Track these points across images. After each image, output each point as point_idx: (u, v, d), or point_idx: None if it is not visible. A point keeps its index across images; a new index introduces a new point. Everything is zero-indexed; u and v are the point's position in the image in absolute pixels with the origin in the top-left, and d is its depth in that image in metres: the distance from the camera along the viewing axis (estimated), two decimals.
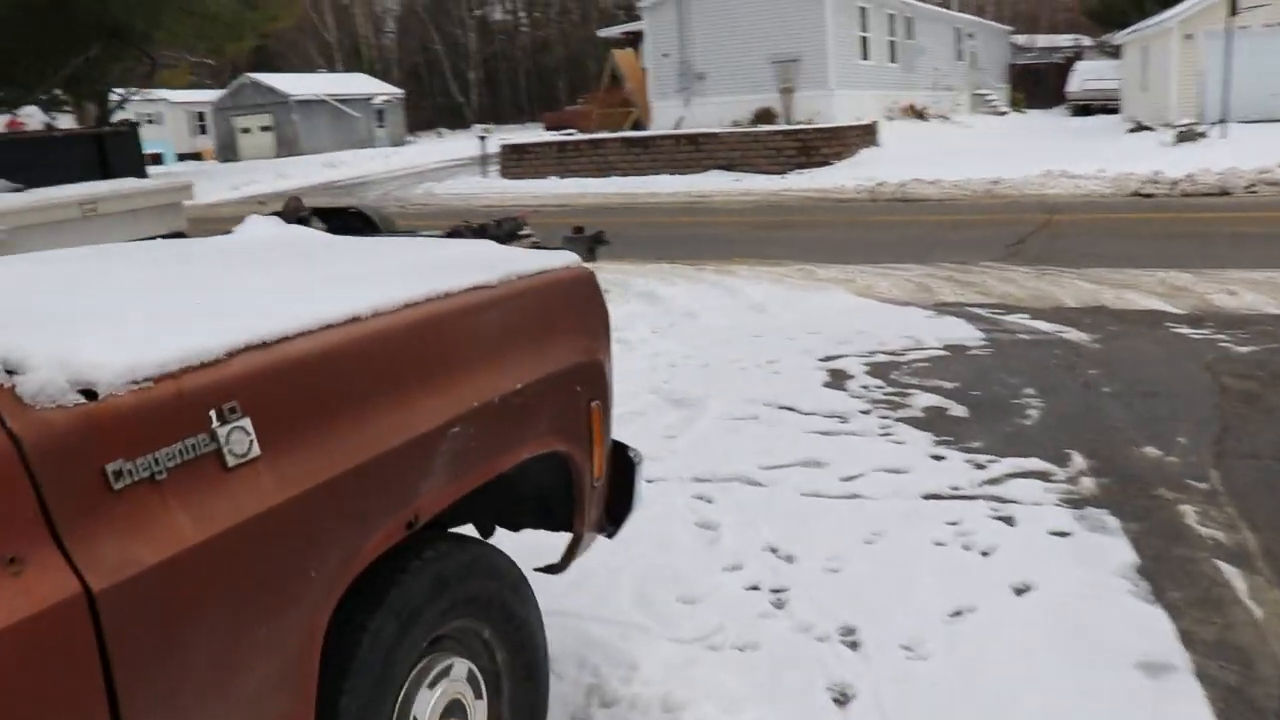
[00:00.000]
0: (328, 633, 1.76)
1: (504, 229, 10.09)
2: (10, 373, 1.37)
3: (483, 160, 26.33)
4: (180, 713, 1.50)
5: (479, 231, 9.81)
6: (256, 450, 1.63)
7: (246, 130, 48.34)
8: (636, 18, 29.91)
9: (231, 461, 1.59)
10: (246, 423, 1.62)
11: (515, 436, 2.21)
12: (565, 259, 2.58)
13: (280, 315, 1.78)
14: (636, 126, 28.40)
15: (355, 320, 1.87)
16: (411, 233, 10.33)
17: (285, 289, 2.02)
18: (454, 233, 9.77)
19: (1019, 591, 3.45)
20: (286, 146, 46.94)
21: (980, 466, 4.64)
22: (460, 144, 34.08)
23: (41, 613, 1.31)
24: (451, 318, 2.08)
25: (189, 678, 1.51)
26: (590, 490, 2.55)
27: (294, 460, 1.68)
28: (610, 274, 9.82)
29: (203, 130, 51.23)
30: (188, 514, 1.51)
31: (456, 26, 74.18)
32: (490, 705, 2.27)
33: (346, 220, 10.70)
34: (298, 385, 1.72)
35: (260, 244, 2.63)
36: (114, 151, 8.01)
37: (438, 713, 2.08)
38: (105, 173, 7.86)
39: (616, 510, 2.78)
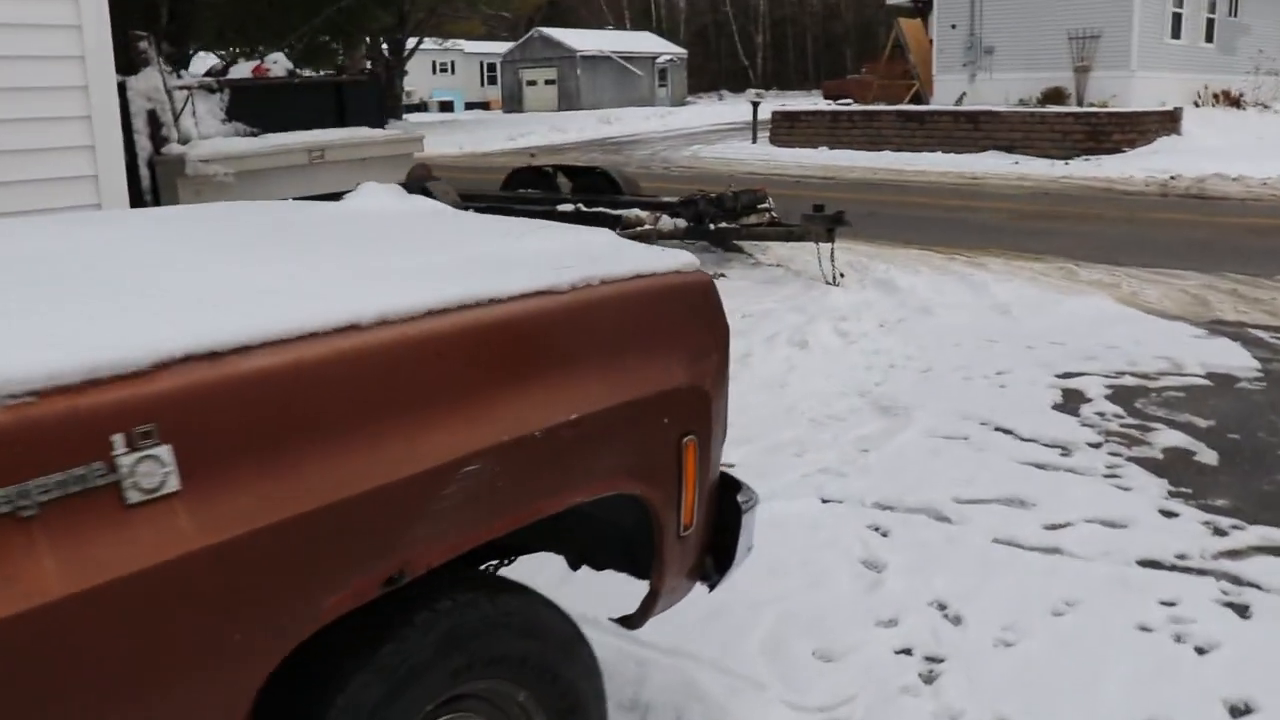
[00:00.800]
0: (267, 703, 1.47)
1: (740, 201, 9.70)
2: None
3: (753, 126, 25.94)
4: None
5: (715, 201, 9.47)
6: (175, 485, 1.35)
7: (532, 83, 50.13)
8: None
9: (135, 498, 1.31)
10: (164, 451, 1.34)
11: (564, 477, 1.84)
12: (679, 261, 2.18)
13: (255, 317, 1.49)
14: (916, 100, 27.07)
15: (351, 329, 1.56)
16: (651, 197, 10.12)
17: (300, 282, 1.73)
18: (688, 201, 9.49)
19: (1236, 713, 2.76)
20: (568, 101, 48.31)
21: (1220, 532, 3.85)
22: (739, 108, 33.87)
23: None
24: (484, 331, 1.73)
25: None
26: (675, 541, 2.15)
27: (228, 499, 1.39)
28: (850, 256, 9.25)
29: (493, 81, 53.57)
30: (57, 559, 1.24)
31: None
32: None
33: (591, 179, 10.64)
34: (250, 408, 1.43)
35: (336, 218, 2.39)
36: (352, 100, 8.21)
37: None
38: (341, 121, 8.07)
39: (720, 560, 2.37)
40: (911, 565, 3.63)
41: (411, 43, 31.82)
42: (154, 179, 6.58)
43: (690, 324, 2.15)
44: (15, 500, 1.22)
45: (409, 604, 1.71)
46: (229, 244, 2.09)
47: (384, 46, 29.49)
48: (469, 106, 49.44)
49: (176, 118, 6.44)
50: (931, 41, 27.52)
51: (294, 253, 1.98)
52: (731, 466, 4.71)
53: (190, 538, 1.35)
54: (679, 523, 2.13)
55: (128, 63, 6.29)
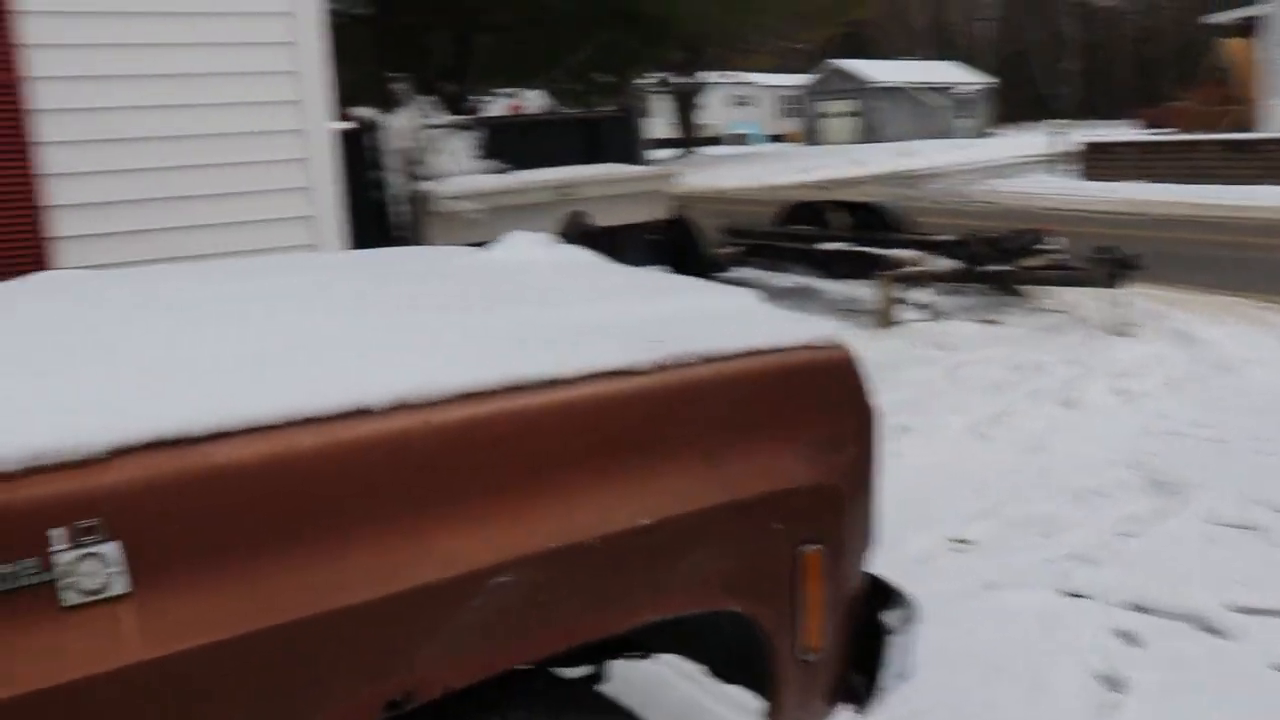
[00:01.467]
0: None
1: (1020, 241, 8.95)
2: None
3: (1052, 159, 24.39)
4: None
5: (990, 242, 8.80)
6: (124, 587, 1.20)
7: (830, 115, 49.77)
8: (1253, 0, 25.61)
9: (73, 600, 1.18)
10: (111, 549, 1.19)
11: (633, 591, 1.56)
12: (814, 334, 1.85)
13: (252, 396, 1.34)
14: (1238, 127, 24.41)
15: (357, 414, 1.37)
16: (923, 235, 9.54)
17: (331, 349, 1.57)
18: (960, 241, 8.87)
19: None
20: (868, 133, 47.53)
21: None
22: (1043, 140, 32.10)
23: None
24: (532, 418, 1.49)
25: None
26: (795, 664, 1.81)
27: (188, 604, 1.23)
28: (1147, 302, 8.31)
29: (792, 114, 53.68)
30: None
31: (1057, 13, 69.86)
32: None
33: (865, 215, 10.22)
34: (219, 504, 1.26)
35: (450, 271, 2.24)
36: (608, 136, 8.26)
37: None
38: (594, 157, 8.13)
39: (867, 683, 2.00)
40: (1162, 688, 3.04)
41: (708, 76, 32.50)
42: (414, 214, 6.87)
43: (819, 409, 1.82)
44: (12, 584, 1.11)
45: (463, 714, 1.51)
46: (312, 299, 1.98)
47: (667, 81, 30.23)
48: (771, 139, 49.81)
49: (430, 156, 6.70)
50: (1259, 62, 24.73)
51: (363, 311, 1.83)
52: (964, 543, 4.22)
53: (134, 647, 1.19)
54: (796, 645, 1.79)
55: (386, 102, 6.63)
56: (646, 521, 1.54)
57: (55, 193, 3.52)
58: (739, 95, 48.90)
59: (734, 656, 1.96)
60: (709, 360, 1.69)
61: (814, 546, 1.75)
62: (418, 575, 1.36)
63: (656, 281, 2.19)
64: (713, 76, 32.47)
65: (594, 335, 1.69)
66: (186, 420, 1.27)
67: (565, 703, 1.63)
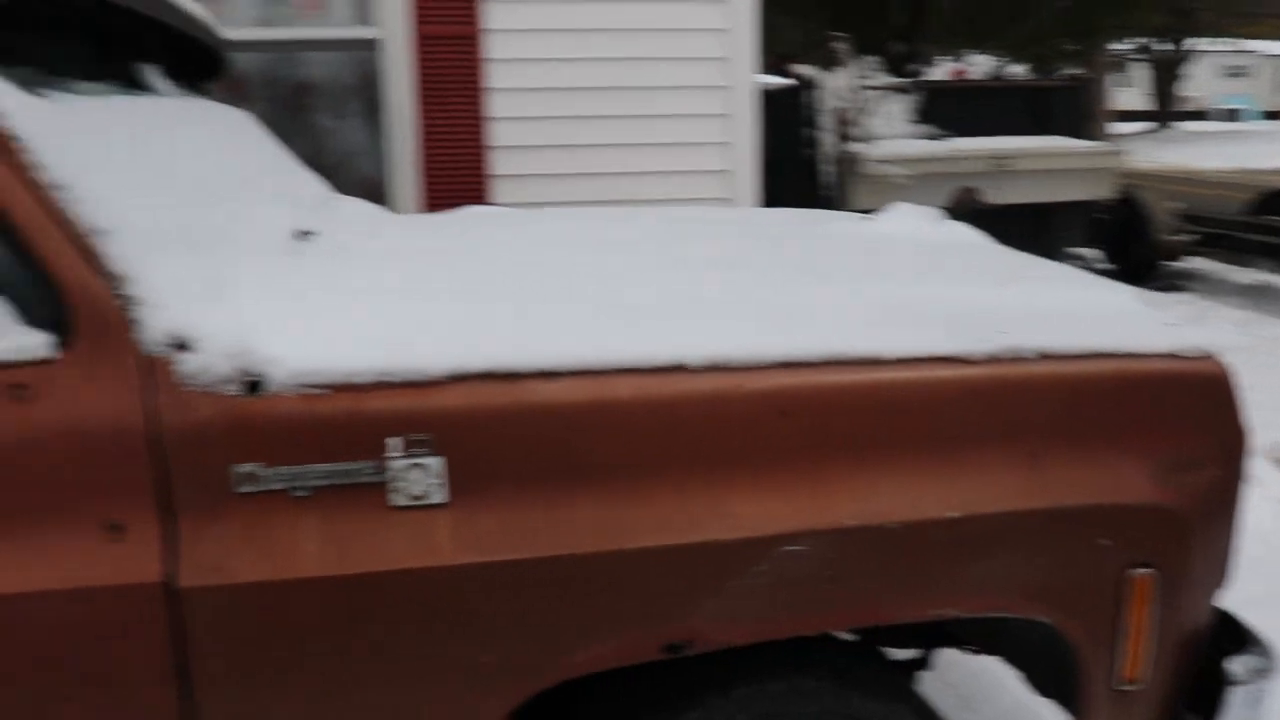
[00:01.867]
0: None
1: None
2: (179, 348, 1.35)
3: None
4: None
5: None
6: (442, 498, 1.38)
7: None
8: None
9: (399, 501, 1.37)
10: (436, 462, 1.37)
11: (928, 582, 1.52)
12: (1188, 344, 1.67)
13: (584, 341, 1.47)
14: None
15: (677, 370, 1.45)
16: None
17: (671, 305, 1.65)
18: None
19: None
20: None
21: None
22: None
23: (120, 587, 1.31)
24: (849, 394, 1.49)
25: (288, 713, 1.38)
26: (1109, 692, 1.68)
27: (496, 523, 1.38)
28: None
29: None
30: (318, 542, 1.35)
31: None
32: None
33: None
34: (538, 437, 1.40)
35: (824, 237, 2.22)
36: (1058, 107, 7.63)
37: None
38: (1041, 129, 7.56)
39: None
40: None
41: (1197, 44, 29.08)
42: (840, 176, 6.88)
43: (1174, 424, 1.63)
44: (291, 481, 1.35)
45: (732, 676, 1.57)
46: (687, 255, 2.07)
47: (1147, 48, 27.29)
48: (1268, 116, 43.72)
49: (864, 117, 6.64)
50: None
51: (715, 271, 1.89)
52: None
53: (445, 552, 1.37)
54: (1113, 672, 1.66)
55: (826, 60, 6.63)
56: (955, 515, 1.49)
57: (498, 135, 3.96)
58: (1233, 65, 43.22)
59: (1049, 671, 1.85)
60: (1049, 358, 1.58)
61: (1146, 570, 1.60)
62: (710, 531, 1.42)
63: (1032, 269, 2.06)
64: (1202, 44, 28.96)
65: (935, 319, 1.64)
66: (519, 357, 1.41)
67: (854, 679, 1.63)
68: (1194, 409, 1.64)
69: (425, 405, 1.37)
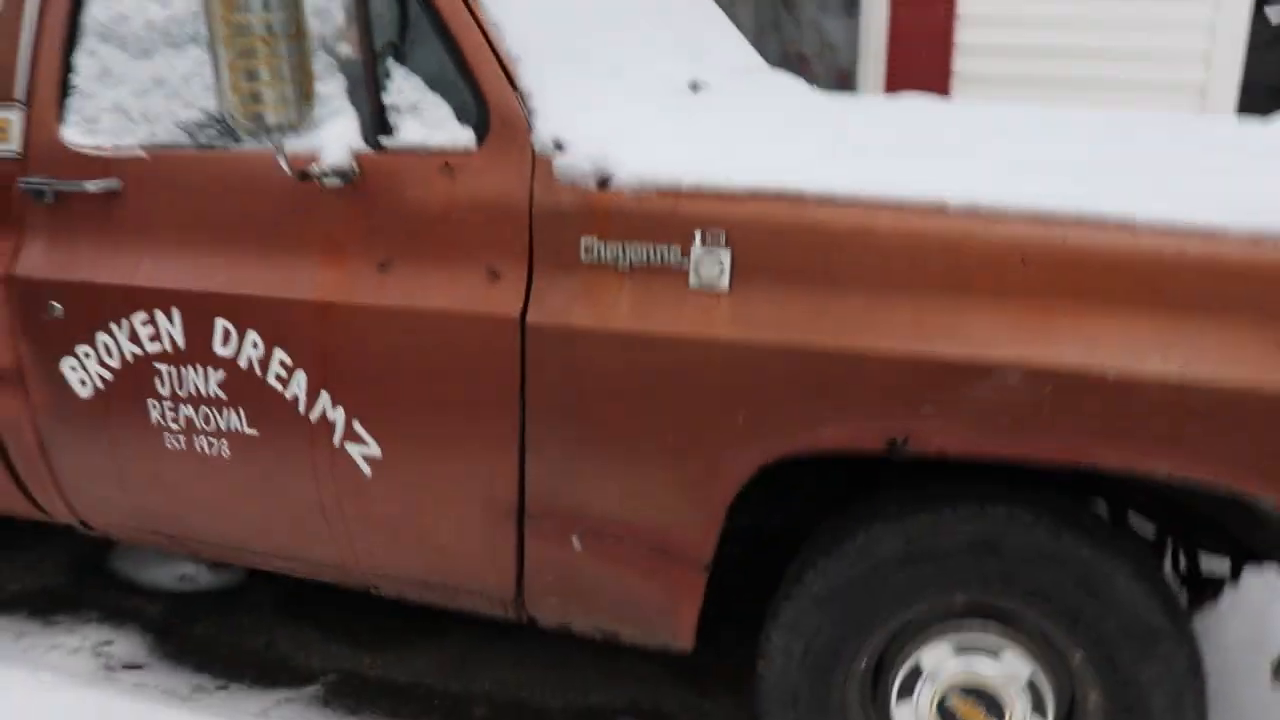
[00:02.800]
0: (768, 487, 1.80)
1: None
2: (557, 149, 1.83)
3: None
4: (581, 462, 1.85)
5: None
6: (725, 286, 1.73)
7: None
8: None
9: (694, 282, 1.75)
10: (725, 255, 1.73)
11: (1130, 433, 1.58)
12: None
13: (830, 173, 1.73)
14: None
15: (935, 209, 1.66)
16: None
17: (969, 170, 1.82)
18: None
19: None
20: None
21: None
22: None
23: (487, 315, 1.84)
24: (1090, 255, 1.59)
25: (590, 437, 1.84)
26: None
27: (766, 311, 1.71)
28: None
29: None
30: (630, 304, 1.77)
31: None
32: None
33: None
34: (808, 247, 1.69)
35: (1197, 138, 2.15)
36: None
37: (948, 679, 1.83)
38: None
39: None
40: None
41: None
42: None
43: None
44: (619, 256, 1.78)
45: (960, 495, 1.77)
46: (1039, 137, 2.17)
47: None
48: None
49: None
50: None
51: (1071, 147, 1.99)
52: None
53: (722, 327, 1.72)
54: None
55: None
56: (1175, 380, 1.54)
57: (965, 35, 4.06)
58: None
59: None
60: None
61: None
62: (938, 346, 1.62)
63: None
64: None
65: (1206, 194, 1.65)
66: (804, 184, 1.71)
67: (1074, 522, 1.72)
68: None
69: (725, 211, 1.73)
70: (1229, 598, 1.87)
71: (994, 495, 1.75)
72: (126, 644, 2.69)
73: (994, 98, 4.16)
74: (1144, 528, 2.19)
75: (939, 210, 1.66)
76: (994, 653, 1.80)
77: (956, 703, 1.83)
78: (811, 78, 4.47)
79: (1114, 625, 1.69)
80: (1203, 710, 1.72)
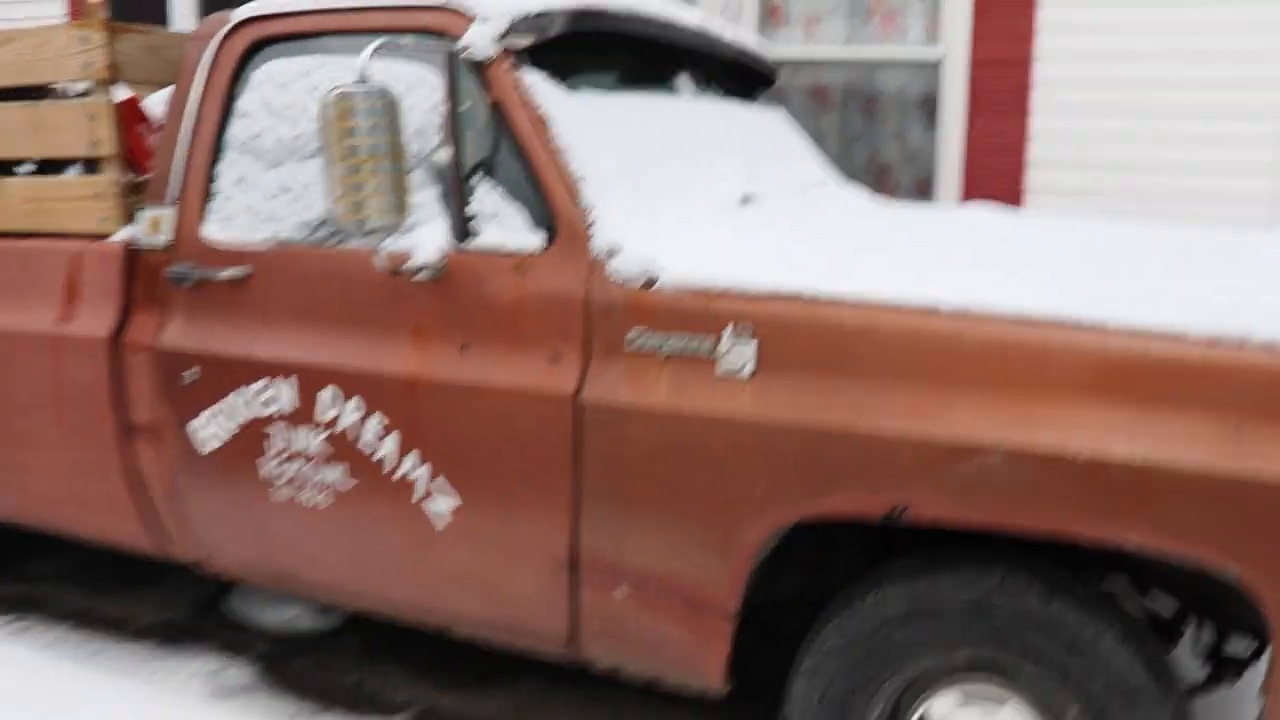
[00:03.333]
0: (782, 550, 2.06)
1: None
2: (610, 254, 2.15)
3: None
4: (625, 522, 2.14)
5: None
6: (750, 372, 2.03)
7: None
8: None
9: (722, 370, 2.04)
10: (749, 346, 2.02)
11: (1110, 515, 1.79)
12: None
13: (846, 279, 2.01)
14: None
15: (927, 311, 1.93)
16: None
17: (981, 263, 2.09)
18: None
19: None
20: None
21: None
22: None
23: (547, 393, 2.16)
24: (1064, 354, 1.84)
25: (632, 500, 2.13)
26: None
27: (783, 395, 1.99)
28: None
29: None
30: (668, 387, 2.08)
31: None
32: None
33: None
34: (820, 340, 1.97)
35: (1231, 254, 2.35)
36: None
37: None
38: None
39: None
40: None
41: None
42: None
43: None
44: (659, 345, 2.09)
45: (959, 561, 2.00)
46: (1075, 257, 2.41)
47: None
48: None
49: None
50: None
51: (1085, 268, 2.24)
52: None
53: (745, 409, 2.01)
54: None
55: None
56: (1139, 461, 1.76)
57: (1038, 152, 4.29)
58: None
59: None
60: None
61: None
62: (932, 429, 1.88)
63: None
64: None
65: (1185, 301, 1.88)
66: (817, 288, 1.99)
67: (1066, 590, 1.92)
68: None
69: (749, 310, 2.02)
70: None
71: (991, 562, 1.98)
72: (237, 672, 3.05)
73: (1064, 208, 4.38)
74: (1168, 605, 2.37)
75: (933, 312, 1.93)
76: (999, 702, 2.01)
77: None
78: (894, 187, 4.76)
79: (1100, 683, 1.90)
80: None
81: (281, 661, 3.13)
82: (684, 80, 2.92)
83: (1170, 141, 4.18)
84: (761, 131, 3.19)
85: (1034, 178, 4.37)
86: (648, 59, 2.82)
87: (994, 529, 1.89)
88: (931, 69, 4.63)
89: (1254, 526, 1.72)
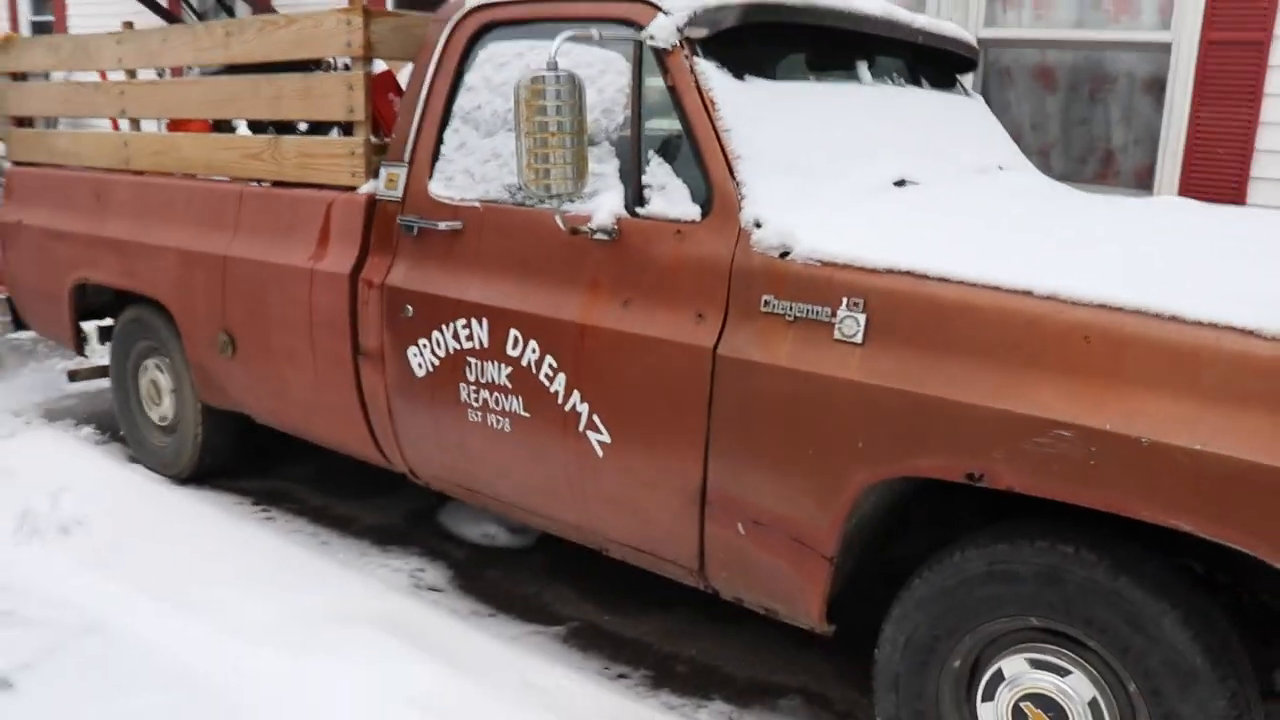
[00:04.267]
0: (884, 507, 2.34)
1: None
2: (756, 226, 2.48)
3: None
4: (747, 464, 2.47)
5: None
6: (860, 340, 2.31)
7: None
8: None
9: (837, 335, 2.34)
10: (861, 317, 2.30)
11: (1155, 493, 1.97)
12: None
13: (959, 260, 2.24)
14: None
15: (1023, 293, 2.15)
16: None
17: (1069, 259, 2.27)
18: None
19: None
20: None
21: None
22: None
23: (691, 346, 2.52)
24: (1139, 340, 2.01)
25: (754, 445, 2.46)
26: None
27: (887, 363, 2.27)
28: None
29: None
30: (789, 349, 2.39)
31: None
32: None
33: None
34: (930, 316, 2.22)
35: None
36: None
37: (1023, 687, 2.27)
38: None
39: None
40: None
41: None
42: None
43: None
44: (788, 309, 2.40)
45: (1038, 530, 2.22)
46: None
47: None
48: None
49: None
50: None
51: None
52: None
53: (854, 371, 2.29)
54: None
55: None
56: (1191, 445, 1.91)
57: (1269, 140, 4.18)
58: None
59: None
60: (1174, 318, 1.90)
61: None
62: (1011, 404, 2.10)
63: None
64: None
65: (1245, 296, 2.01)
66: (928, 268, 2.24)
67: (1132, 567, 2.09)
68: None
69: (867, 283, 2.30)
70: None
71: (1067, 535, 2.18)
72: (433, 573, 3.61)
73: None
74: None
75: (1026, 294, 2.14)
76: (1064, 671, 2.22)
77: (1029, 709, 2.26)
78: (1115, 174, 4.77)
79: (1157, 661, 2.07)
80: None
81: (473, 569, 3.66)
82: (865, 67, 3.17)
83: None
84: (946, 116, 3.38)
85: (1261, 169, 4.28)
86: (827, 47, 3.09)
87: (1060, 500, 2.09)
88: (1162, 51, 4.59)
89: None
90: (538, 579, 3.61)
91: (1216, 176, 4.36)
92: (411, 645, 2.98)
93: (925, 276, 2.25)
